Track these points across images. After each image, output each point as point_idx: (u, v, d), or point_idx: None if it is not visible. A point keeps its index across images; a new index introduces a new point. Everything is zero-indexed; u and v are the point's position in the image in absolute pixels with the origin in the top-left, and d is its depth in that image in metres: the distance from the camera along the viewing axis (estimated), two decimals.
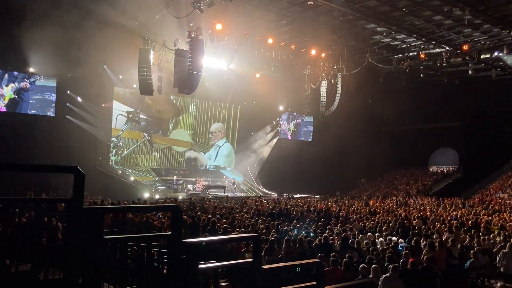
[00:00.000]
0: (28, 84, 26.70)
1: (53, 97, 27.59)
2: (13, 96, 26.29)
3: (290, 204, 21.99)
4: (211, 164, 37.62)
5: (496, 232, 13.58)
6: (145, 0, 21.48)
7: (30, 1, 21.49)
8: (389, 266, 7.81)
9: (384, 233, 12.49)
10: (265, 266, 4.01)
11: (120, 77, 30.12)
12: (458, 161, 37.89)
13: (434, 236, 12.08)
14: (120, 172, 30.54)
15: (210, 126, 37.54)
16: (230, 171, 38.13)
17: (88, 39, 23.55)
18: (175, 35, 22.98)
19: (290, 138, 41.59)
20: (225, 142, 38.64)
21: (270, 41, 26.18)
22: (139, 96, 28.52)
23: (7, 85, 26.14)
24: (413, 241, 10.72)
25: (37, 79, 27.01)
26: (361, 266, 8.23)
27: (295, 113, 41.32)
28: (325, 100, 30.22)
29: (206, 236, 11.01)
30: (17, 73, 26.58)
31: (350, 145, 35.39)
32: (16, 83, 26.43)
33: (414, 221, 16.18)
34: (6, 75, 26.26)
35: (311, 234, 11.87)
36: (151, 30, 23.47)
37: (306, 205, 21.84)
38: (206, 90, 30.42)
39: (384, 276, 7.54)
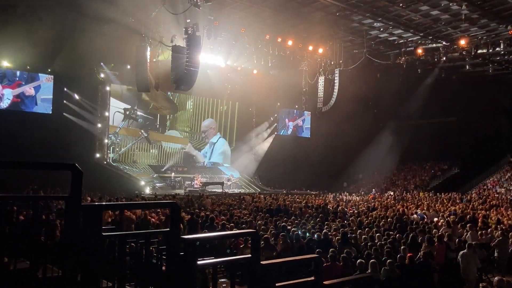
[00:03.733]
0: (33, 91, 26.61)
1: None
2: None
3: (289, 200, 22.02)
4: (207, 161, 37.54)
5: (493, 226, 13.65)
6: None
7: None
8: (465, 245, 9.33)
9: (382, 229, 12.52)
10: (263, 262, 4.01)
11: (117, 74, 30.02)
12: (456, 156, 37.98)
13: (433, 231, 12.13)
14: (118, 169, 30.49)
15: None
16: (228, 167, 38.11)
17: (84, 36, 23.45)
18: (172, 32, 22.88)
19: (298, 135, 41.59)
20: (220, 137, 38.30)
21: (267, 37, 26.12)
22: (136, 93, 28.45)
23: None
24: (410, 236, 10.77)
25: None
26: (359, 261, 8.26)
27: (295, 112, 41.28)
28: (322, 96, 30.19)
29: (204, 232, 11.03)
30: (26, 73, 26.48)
31: (347, 141, 35.43)
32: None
33: (412, 216, 16.24)
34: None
35: (307, 234, 11.80)
36: (147, 26, 23.36)
37: (304, 201, 21.87)
38: (203, 86, 30.31)
39: (461, 252, 9.12)
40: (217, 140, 38.12)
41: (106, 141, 31.00)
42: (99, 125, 30.23)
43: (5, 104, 25.89)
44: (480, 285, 7.10)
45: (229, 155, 38.82)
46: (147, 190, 27.61)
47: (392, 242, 10.27)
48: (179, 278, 3.55)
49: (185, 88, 23.82)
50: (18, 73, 26.40)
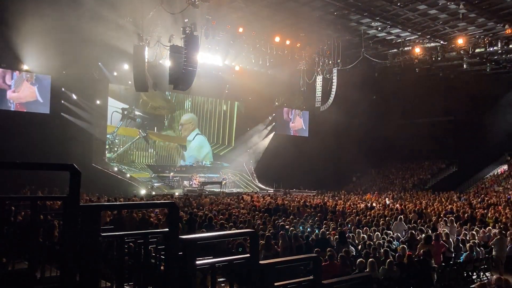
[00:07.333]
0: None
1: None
2: None
3: (287, 200, 22.03)
4: (188, 160, 36.53)
5: (491, 225, 13.68)
6: None
7: None
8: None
9: (381, 227, 12.54)
10: (262, 262, 4.02)
11: (115, 73, 29.98)
12: (454, 155, 38.04)
13: (430, 230, 12.16)
14: (116, 169, 30.45)
15: (205, 122, 37.43)
16: (227, 166, 38.07)
17: (82, 36, 23.41)
18: (170, 31, 22.88)
19: (297, 134, 41.52)
20: (197, 134, 36.91)
21: (265, 36, 26.11)
22: (134, 92, 28.41)
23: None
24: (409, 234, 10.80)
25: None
26: (357, 260, 8.27)
27: (293, 111, 41.25)
28: (320, 95, 30.20)
29: (203, 232, 11.03)
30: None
31: (345, 140, 35.45)
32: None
33: (410, 215, 16.26)
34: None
35: (308, 229, 11.88)
36: (145, 26, 23.35)
37: (303, 200, 21.89)
38: (202, 86, 30.29)
39: None
40: (195, 137, 36.70)
41: (104, 141, 30.96)
42: (97, 125, 30.16)
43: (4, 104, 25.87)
44: (477, 283, 7.08)
45: (209, 153, 37.66)
46: (145, 190, 27.56)
47: (390, 241, 10.29)
48: (178, 278, 3.55)
49: (183, 88, 23.81)
50: (15, 73, 26.34)
